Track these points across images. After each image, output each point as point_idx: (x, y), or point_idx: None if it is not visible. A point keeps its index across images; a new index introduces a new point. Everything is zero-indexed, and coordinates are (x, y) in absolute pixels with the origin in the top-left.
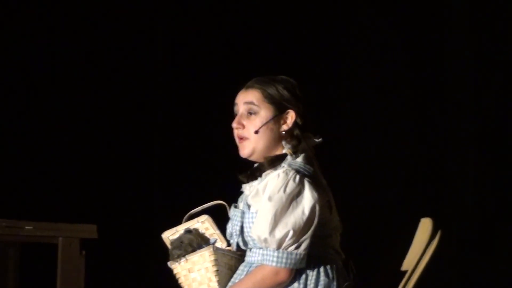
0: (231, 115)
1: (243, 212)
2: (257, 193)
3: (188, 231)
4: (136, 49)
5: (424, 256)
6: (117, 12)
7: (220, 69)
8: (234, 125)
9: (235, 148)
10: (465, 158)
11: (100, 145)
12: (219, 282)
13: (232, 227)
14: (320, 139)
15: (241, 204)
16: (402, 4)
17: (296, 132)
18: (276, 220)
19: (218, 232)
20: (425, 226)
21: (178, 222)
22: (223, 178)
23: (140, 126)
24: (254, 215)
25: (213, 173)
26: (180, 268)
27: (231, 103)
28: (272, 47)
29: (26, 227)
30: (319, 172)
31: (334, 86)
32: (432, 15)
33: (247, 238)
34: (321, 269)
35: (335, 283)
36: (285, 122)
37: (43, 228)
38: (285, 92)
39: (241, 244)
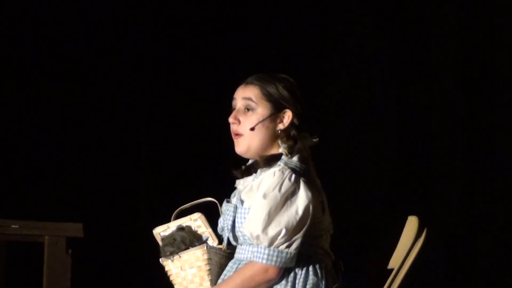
0: (221, 112)
1: (235, 207)
2: (251, 189)
3: (180, 228)
4: (122, 46)
5: (410, 254)
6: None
7: (208, 65)
8: (230, 119)
9: (226, 144)
10: (450, 156)
11: (86, 143)
12: (211, 281)
13: (224, 221)
14: (317, 139)
15: (234, 199)
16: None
17: (293, 132)
18: (270, 218)
19: (210, 230)
20: (411, 224)
21: (165, 221)
22: (212, 175)
23: (127, 124)
24: (247, 210)
25: (202, 170)
26: (172, 265)
27: (221, 99)
28: (260, 46)
29: (12, 226)
30: (314, 172)
31: (319, 87)
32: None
33: (238, 234)
34: (310, 268)
35: (323, 282)
36: (281, 121)
37: (29, 227)
38: (284, 92)
39: (231, 239)
